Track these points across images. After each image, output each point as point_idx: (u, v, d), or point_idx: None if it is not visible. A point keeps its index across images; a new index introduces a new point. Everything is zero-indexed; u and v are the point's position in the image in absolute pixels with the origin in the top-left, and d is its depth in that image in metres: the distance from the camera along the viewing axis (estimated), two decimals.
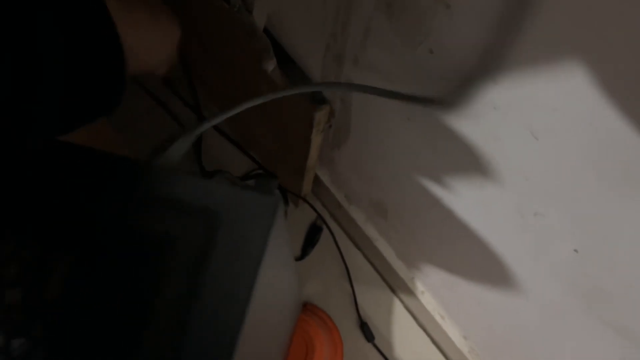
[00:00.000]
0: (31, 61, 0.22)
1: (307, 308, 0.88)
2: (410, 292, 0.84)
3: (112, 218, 0.25)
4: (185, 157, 0.96)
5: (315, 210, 0.92)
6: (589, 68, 0.28)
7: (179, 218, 0.25)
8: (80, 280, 0.25)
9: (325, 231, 0.92)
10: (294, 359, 0.68)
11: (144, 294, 0.24)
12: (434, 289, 0.80)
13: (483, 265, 0.57)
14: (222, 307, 0.23)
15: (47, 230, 0.25)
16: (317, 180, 0.88)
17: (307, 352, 0.69)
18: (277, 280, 0.30)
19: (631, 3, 0.23)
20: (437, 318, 0.82)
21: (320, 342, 0.70)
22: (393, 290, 0.90)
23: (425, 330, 0.88)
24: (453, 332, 0.81)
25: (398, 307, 0.90)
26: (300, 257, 0.91)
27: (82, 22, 0.25)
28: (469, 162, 0.45)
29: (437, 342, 0.87)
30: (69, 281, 0.24)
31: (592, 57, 0.27)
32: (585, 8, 0.26)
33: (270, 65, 0.61)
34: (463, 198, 0.51)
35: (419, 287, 0.83)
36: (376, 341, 0.87)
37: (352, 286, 0.90)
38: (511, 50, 0.32)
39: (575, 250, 0.39)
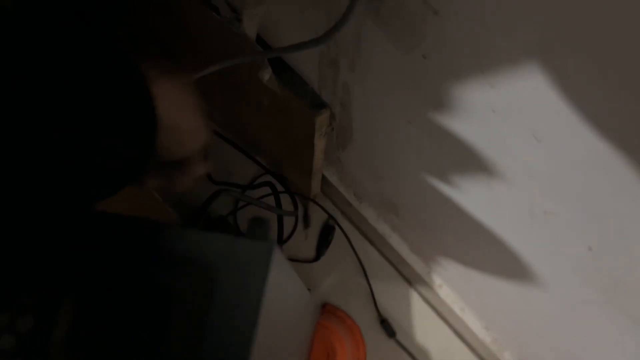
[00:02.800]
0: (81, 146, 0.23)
1: (327, 309, 0.88)
2: (428, 286, 0.83)
3: (110, 274, 0.25)
4: None
5: (325, 210, 0.92)
6: (588, 71, 0.27)
7: (177, 273, 0.25)
8: (79, 336, 0.25)
9: (338, 230, 0.92)
10: None
11: (143, 351, 0.24)
12: (451, 282, 0.79)
13: (499, 260, 0.56)
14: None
15: (47, 282, 0.25)
16: (326, 180, 0.88)
17: (327, 359, 0.69)
18: (282, 314, 0.30)
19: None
20: (457, 310, 0.81)
21: (341, 345, 0.70)
22: (411, 285, 0.90)
23: (446, 322, 0.88)
24: (474, 324, 0.80)
25: (417, 301, 0.90)
26: (316, 258, 0.91)
27: (126, 102, 0.26)
28: (475, 162, 0.44)
29: (460, 333, 0.86)
30: (70, 335, 0.24)
31: (593, 60, 0.26)
32: (580, 13, 0.24)
33: (266, 75, 0.61)
34: (472, 196, 0.50)
35: (436, 280, 0.82)
36: (398, 336, 0.87)
37: (369, 283, 0.89)
38: (505, 55, 0.31)
39: (590, 248, 0.38)
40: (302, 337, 0.46)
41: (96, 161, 0.23)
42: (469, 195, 0.50)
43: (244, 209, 0.93)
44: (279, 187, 0.91)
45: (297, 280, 0.37)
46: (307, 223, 0.90)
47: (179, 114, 0.30)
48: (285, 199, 0.92)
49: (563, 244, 0.41)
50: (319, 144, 0.70)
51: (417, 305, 0.90)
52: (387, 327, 0.87)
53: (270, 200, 0.87)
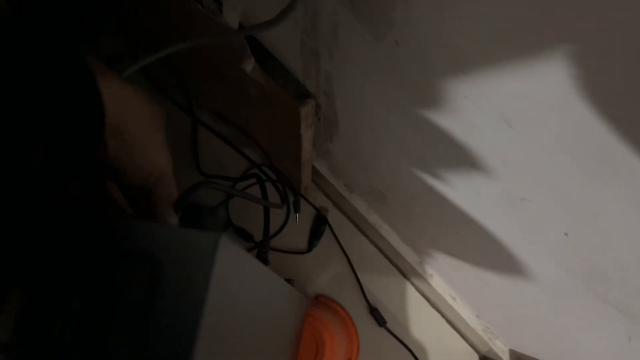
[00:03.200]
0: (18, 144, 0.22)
1: (319, 300, 0.88)
2: (420, 276, 0.83)
3: (53, 268, 0.25)
4: (183, 162, 0.95)
5: (313, 206, 0.92)
6: (552, 55, 0.26)
7: (122, 266, 0.24)
8: (24, 331, 0.24)
9: (331, 220, 0.92)
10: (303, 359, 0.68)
11: (87, 345, 0.24)
12: (442, 271, 0.79)
13: (483, 248, 0.56)
14: (169, 355, 0.22)
15: None
16: (316, 171, 0.88)
17: (317, 349, 0.69)
18: (241, 306, 0.29)
19: None
20: (449, 299, 0.81)
21: (331, 336, 0.70)
22: (403, 275, 0.90)
23: (439, 311, 0.88)
24: (465, 313, 0.80)
25: (410, 291, 0.90)
26: (308, 250, 0.91)
27: (72, 103, 0.25)
28: (452, 150, 0.43)
29: (452, 322, 0.87)
30: (15, 330, 0.24)
31: (557, 44, 0.26)
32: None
33: (249, 65, 0.60)
34: (453, 185, 0.49)
35: (427, 270, 0.82)
36: (390, 325, 0.87)
37: (355, 274, 0.89)
38: (473, 40, 0.30)
39: (566, 234, 0.38)
40: (281, 328, 0.46)
41: (30, 146, 0.23)
42: (450, 184, 0.49)
43: (235, 200, 0.93)
44: (268, 179, 0.90)
45: (266, 270, 0.36)
46: (296, 208, 0.90)
47: (128, 115, 0.29)
48: (275, 191, 0.92)
49: (541, 230, 0.41)
50: (306, 134, 0.70)
51: (410, 294, 0.90)
52: (377, 316, 0.87)
53: (257, 192, 0.87)
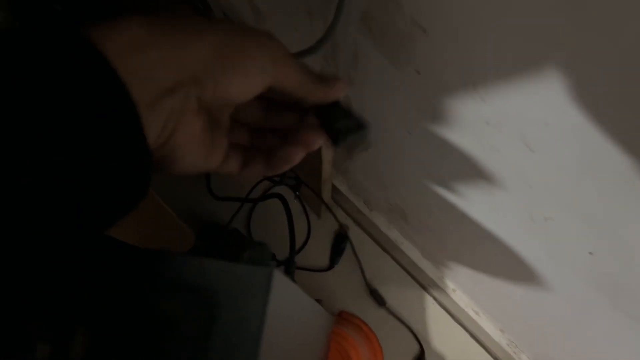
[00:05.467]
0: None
1: (343, 317, 0.89)
2: (442, 291, 0.84)
3: (116, 302, 0.26)
4: (197, 186, 0.96)
5: (336, 219, 0.93)
6: (570, 82, 0.28)
7: (179, 300, 0.26)
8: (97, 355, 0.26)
9: (351, 236, 0.93)
10: None
11: None
12: (464, 286, 0.79)
13: (506, 264, 0.57)
14: None
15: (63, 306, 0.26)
16: (336, 189, 0.89)
17: None
18: (288, 333, 0.31)
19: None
20: (472, 314, 0.81)
21: (357, 353, 0.71)
22: (425, 290, 0.90)
23: (462, 325, 0.88)
24: (489, 327, 0.80)
25: (432, 306, 0.90)
26: (329, 267, 0.92)
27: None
28: (474, 171, 0.44)
29: (476, 336, 0.87)
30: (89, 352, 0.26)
31: (574, 72, 0.27)
32: (556, 26, 0.25)
33: None
34: (475, 203, 0.50)
35: (449, 285, 0.83)
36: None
37: (367, 282, 0.90)
38: (493, 71, 0.31)
39: (590, 253, 0.39)
40: (315, 349, 0.47)
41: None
42: (472, 202, 0.50)
43: (256, 222, 0.94)
44: (290, 200, 0.92)
45: (304, 296, 0.38)
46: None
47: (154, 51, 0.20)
48: (296, 209, 0.93)
49: (565, 248, 0.42)
50: (327, 155, 0.71)
51: (433, 309, 0.90)
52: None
53: (281, 212, 0.88)
